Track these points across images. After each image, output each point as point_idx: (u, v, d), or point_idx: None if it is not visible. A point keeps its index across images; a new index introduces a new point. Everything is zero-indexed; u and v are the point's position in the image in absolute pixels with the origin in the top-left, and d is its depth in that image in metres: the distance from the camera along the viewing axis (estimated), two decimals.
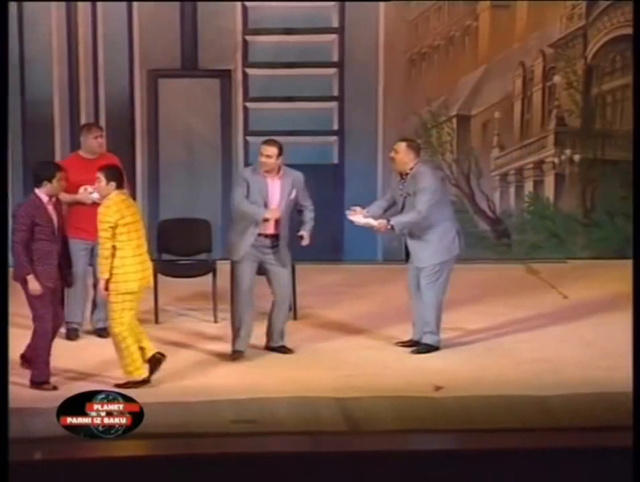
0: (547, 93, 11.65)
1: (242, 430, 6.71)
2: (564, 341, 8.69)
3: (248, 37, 11.45)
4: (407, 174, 8.32)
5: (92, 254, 8.68)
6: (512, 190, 11.88)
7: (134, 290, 7.70)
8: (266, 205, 8.21)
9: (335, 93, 11.61)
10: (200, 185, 11.57)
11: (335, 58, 11.54)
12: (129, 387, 7.48)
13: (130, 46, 11.29)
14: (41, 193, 7.63)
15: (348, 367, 8.02)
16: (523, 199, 11.82)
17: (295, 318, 9.31)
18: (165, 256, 9.56)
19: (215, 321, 9.25)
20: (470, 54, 11.65)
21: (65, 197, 8.43)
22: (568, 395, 7.34)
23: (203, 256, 9.57)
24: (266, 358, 8.32)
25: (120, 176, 7.88)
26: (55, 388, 7.65)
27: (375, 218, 8.33)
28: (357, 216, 8.37)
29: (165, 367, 7.99)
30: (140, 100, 11.41)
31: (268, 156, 8.21)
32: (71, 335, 8.75)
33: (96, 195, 8.49)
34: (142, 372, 7.69)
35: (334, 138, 11.65)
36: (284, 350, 8.47)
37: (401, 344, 8.59)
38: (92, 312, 8.92)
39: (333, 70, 11.55)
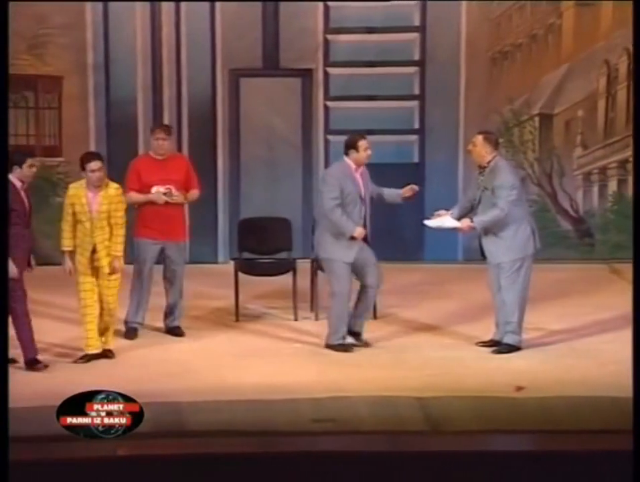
0: (633, 91, 11.49)
1: (322, 429, 6.71)
2: None
3: (329, 37, 11.48)
4: (486, 167, 8.29)
5: (162, 253, 8.74)
6: (595, 189, 11.75)
7: None
8: (363, 197, 8.30)
9: (416, 92, 11.58)
10: (281, 183, 11.63)
11: (417, 57, 11.51)
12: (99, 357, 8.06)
13: (213, 46, 11.39)
14: (13, 178, 7.81)
15: (429, 367, 7.98)
16: (607, 199, 11.69)
17: (375, 317, 9.30)
18: (246, 255, 9.62)
19: (296, 320, 9.29)
20: (553, 52, 11.54)
21: (137, 197, 8.54)
22: None
23: (283, 255, 9.61)
24: (346, 357, 8.32)
25: None
26: (46, 366, 7.82)
27: (458, 219, 8.31)
28: (433, 221, 8.34)
29: (245, 365, 8.05)
30: (222, 99, 11.51)
31: (370, 147, 8.32)
32: (131, 334, 8.70)
33: (176, 196, 8.61)
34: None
35: (415, 137, 11.62)
36: (360, 340, 8.53)
37: (482, 344, 8.54)
38: (167, 313, 8.90)
39: (414, 69, 11.53)
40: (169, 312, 8.88)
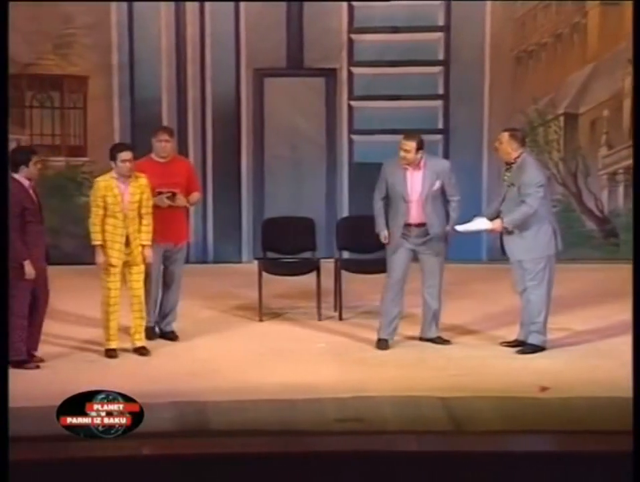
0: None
1: (345, 429, 6.71)
2: None
3: (353, 36, 11.48)
4: (513, 163, 8.28)
5: (166, 257, 8.63)
6: (620, 189, 11.70)
7: None
8: (405, 197, 8.34)
9: (441, 91, 11.57)
10: (305, 183, 11.64)
11: (441, 56, 11.50)
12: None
13: (237, 46, 11.42)
14: (21, 177, 7.82)
15: (452, 367, 7.98)
16: (632, 198, 11.62)
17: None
18: (270, 254, 9.63)
19: (319, 319, 9.29)
20: (578, 52, 11.50)
21: None
22: None
23: (307, 254, 9.61)
24: (369, 356, 8.32)
25: None
26: (37, 367, 7.84)
27: (491, 219, 8.33)
28: (465, 226, 8.36)
29: (269, 364, 8.06)
30: (246, 98, 11.53)
31: (406, 150, 8.32)
32: (149, 334, 8.59)
33: (179, 199, 8.57)
34: None
35: (439, 136, 11.60)
36: (439, 341, 8.58)
37: (506, 344, 8.52)
38: (162, 316, 8.73)
39: (438, 68, 11.51)
40: (164, 315, 8.74)
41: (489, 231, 8.45)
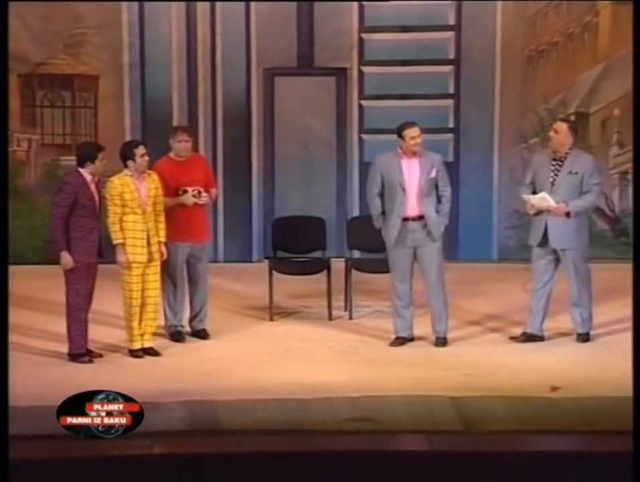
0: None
1: (356, 428, 6.71)
2: None
3: (364, 35, 11.47)
4: (564, 155, 8.29)
5: (192, 255, 8.62)
6: (631, 188, 11.66)
7: None
8: (402, 186, 8.28)
9: (451, 90, 11.55)
10: (315, 182, 11.63)
11: (452, 55, 11.48)
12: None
13: (248, 45, 11.42)
14: (85, 172, 7.88)
15: (463, 366, 7.97)
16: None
17: None
18: (280, 254, 9.63)
19: (330, 319, 9.29)
20: (589, 51, 11.47)
21: (167, 201, 8.38)
22: None
23: (317, 254, 9.61)
24: (381, 356, 8.32)
25: None
26: (91, 361, 7.88)
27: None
28: (532, 196, 8.32)
29: (280, 364, 8.06)
30: (256, 98, 11.52)
31: (419, 136, 8.36)
32: (178, 336, 8.65)
33: (204, 197, 8.58)
34: None
35: (449, 135, 11.58)
36: (439, 342, 8.52)
37: (514, 339, 8.55)
38: (193, 315, 8.79)
39: (449, 68, 11.50)
40: (195, 315, 8.78)
41: (550, 211, 8.32)
